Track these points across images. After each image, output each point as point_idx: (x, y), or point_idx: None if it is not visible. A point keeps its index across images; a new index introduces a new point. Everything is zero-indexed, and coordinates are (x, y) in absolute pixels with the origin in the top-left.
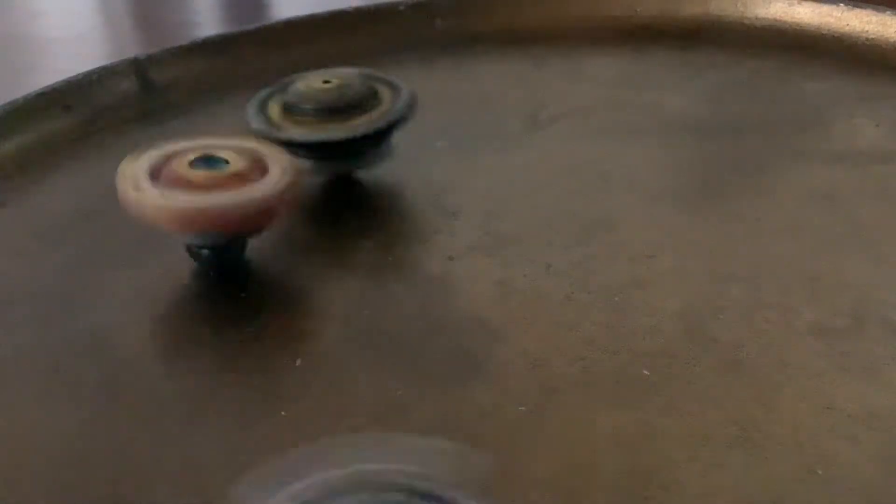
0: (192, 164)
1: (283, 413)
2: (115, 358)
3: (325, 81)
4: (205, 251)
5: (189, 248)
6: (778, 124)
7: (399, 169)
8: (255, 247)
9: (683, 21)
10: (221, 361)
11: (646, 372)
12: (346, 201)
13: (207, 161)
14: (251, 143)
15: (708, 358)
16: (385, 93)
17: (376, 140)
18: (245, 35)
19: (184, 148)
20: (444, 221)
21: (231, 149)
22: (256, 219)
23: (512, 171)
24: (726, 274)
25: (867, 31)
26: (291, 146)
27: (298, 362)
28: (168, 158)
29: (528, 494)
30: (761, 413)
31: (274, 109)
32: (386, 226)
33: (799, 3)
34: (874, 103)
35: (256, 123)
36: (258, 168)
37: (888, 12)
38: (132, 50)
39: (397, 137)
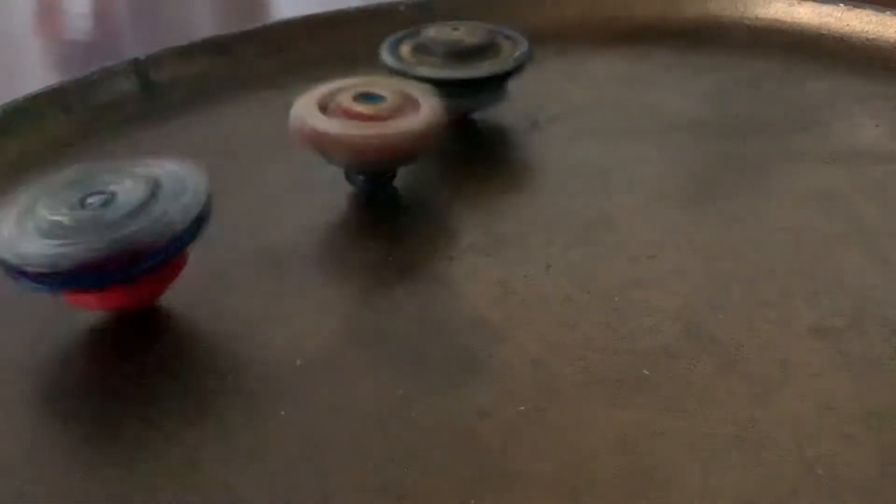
0: (356, 99)
1: (282, 413)
2: (114, 358)
3: (454, 29)
4: (361, 177)
5: (348, 175)
6: (778, 124)
7: (399, 169)
8: (252, 249)
9: (683, 21)
10: (221, 361)
11: (646, 372)
12: (347, 201)
13: (368, 97)
14: (401, 84)
15: (708, 358)
16: (505, 45)
17: (494, 82)
18: (245, 35)
19: (345, 85)
20: (444, 221)
21: (386, 87)
22: (419, 146)
23: (512, 171)
24: (726, 274)
25: (867, 31)
26: (419, 81)
27: (298, 362)
28: (332, 95)
29: (528, 494)
30: (761, 413)
31: (405, 49)
32: (386, 226)
33: (799, 3)
34: (874, 103)
35: (390, 60)
36: (411, 104)
37: (888, 12)
38: (132, 50)
39: None
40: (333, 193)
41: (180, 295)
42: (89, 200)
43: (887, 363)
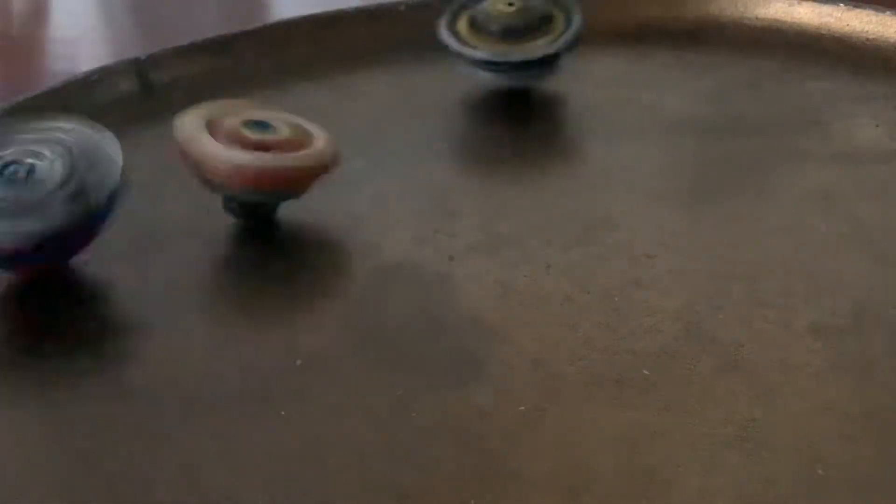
0: (245, 124)
1: (282, 413)
2: (114, 357)
3: (509, 4)
4: (234, 206)
5: (226, 203)
6: (778, 124)
7: (399, 169)
8: (253, 249)
9: (683, 21)
10: (221, 361)
11: (646, 372)
12: (347, 201)
13: (258, 125)
14: (294, 118)
15: (708, 358)
16: (559, 18)
17: (548, 61)
18: (245, 35)
19: (234, 109)
20: (444, 221)
21: (277, 118)
22: (306, 180)
23: (512, 171)
24: (726, 274)
25: (867, 31)
26: (476, 63)
27: (298, 362)
28: (219, 117)
29: (528, 494)
30: (761, 413)
31: (462, 25)
32: (385, 226)
33: (799, 3)
34: (874, 103)
35: (447, 39)
36: (303, 139)
37: (888, 12)
38: (132, 50)
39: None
40: (332, 194)
41: (180, 294)
42: (9, 170)
43: (887, 363)
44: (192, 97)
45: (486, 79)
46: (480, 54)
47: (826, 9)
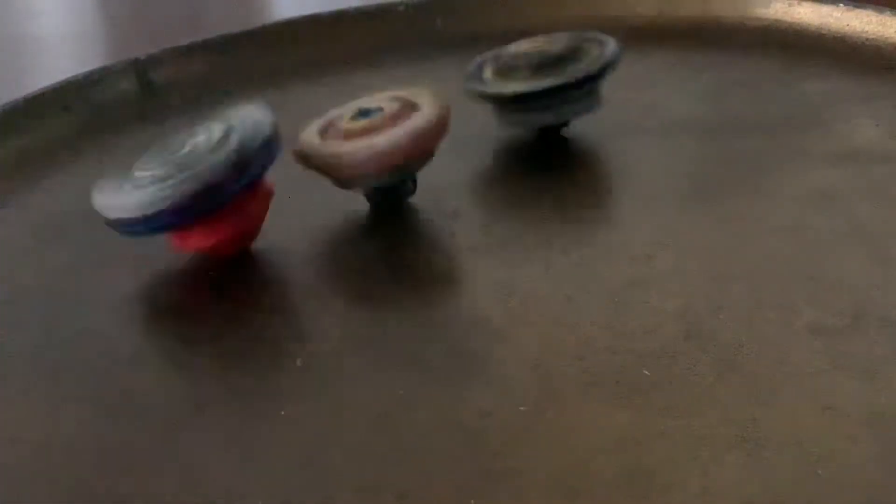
0: (352, 118)
1: (282, 413)
2: (115, 357)
3: (534, 43)
4: (375, 195)
5: (366, 194)
6: (778, 124)
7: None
8: (253, 249)
9: (683, 21)
10: (221, 361)
11: (646, 372)
12: (347, 201)
13: (364, 114)
14: (402, 91)
15: (708, 358)
16: (592, 48)
17: (577, 88)
18: (245, 35)
19: (343, 110)
20: (444, 221)
21: (383, 99)
22: (422, 146)
23: (512, 171)
24: (726, 274)
25: (867, 31)
26: (500, 101)
27: (298, 362)
28: (331, 122)
29: (528, 494)
30: (761, 413)
31: (488, 75)
32: (386, 226)
33: (799, 3)
34: (874, 103)
35: (469, 83)
36: (410, 107)
37: (888, 12)
38: (132, 50)
39: None
40: (332, 194)
41: (180, 295)
42: (173, 153)
43: (887, 363)
44: (192, 97)
45: (530, 123)
46: (509, 88)
47: (826, 9)
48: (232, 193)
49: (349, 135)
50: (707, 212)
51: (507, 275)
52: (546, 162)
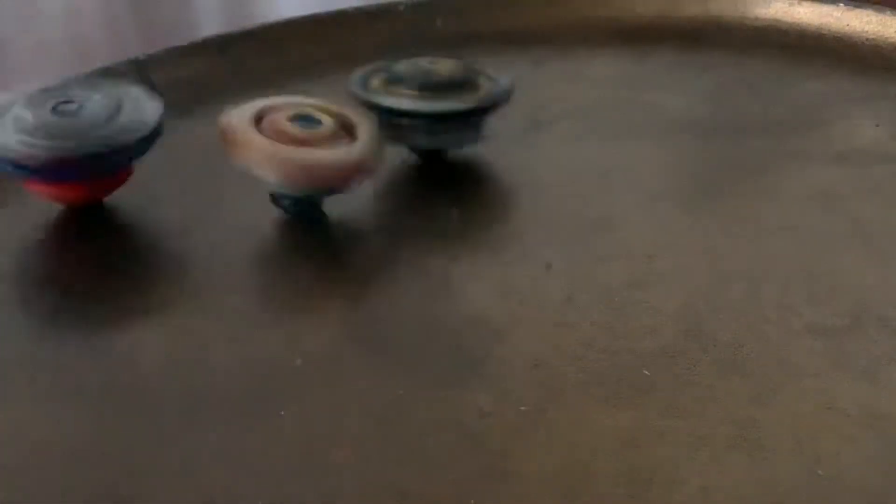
0: (291, 119)
1: (282, 413)
2: (115, 357)
3: (431, 62)
4: (287, 201)
5: (274, 197)
6: (778, 124)
7: (399, 169)
8: (254, 248)
9: (683, 21)
10: (221, 361)
11: (646, 372)
12: (347, 201)
13: (305, 119)
14: (340, 108)
15: (708, 358)
16: (484, 82)
17: (470, 119)
18: (245, 35)
19: (281, 104)
20: (445, 221)
21: (323, 111)
22: (350, 176)
23: (512, 171)
24: (726, 274)
25: (867, 31)
26: (392, 114)
27: (298, 362)
28: (267, 111)
29: (528, 494)
30: (761, 413)
31: (376, 83)
32: (386, 226)
33: (799, 3)
34: (874, 103)
35: (358, 90)
36: (347, 131)
37: (888, 12)
38: (132, 50)
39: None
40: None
41: (180, 295)
42: (62, 107)
43: (887, 363)
44: (192, 97)
45: (404, 140)
46: (394, 102)
47: (826, 9)
48: (96, 173)
49: (287, 138)
50: (707, 212)
51: (507, 275)
52: (546, 162)
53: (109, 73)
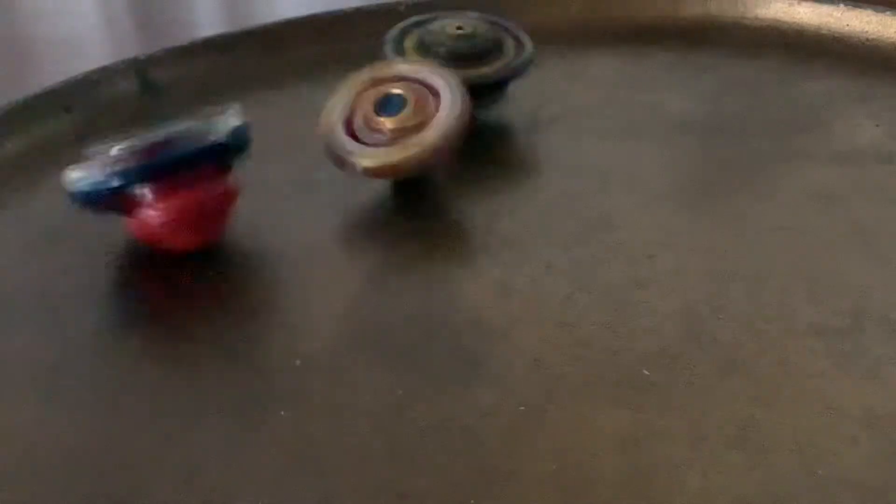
0: (377, 110)
1: (282, 413)
2: (115, 358)
3: (458, 28)
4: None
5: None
6: (778, 124)
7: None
8: (254, 249)
9: (683, 21)
10: (221, 361)
11: (646, 372)
12: (347, 201)
13: (388, 105)
14: (426, 72)
15: (708, 358)
16: (509, 45)
17: (495, 88)
18: (245, 35)
19: (362, 85)
20: (445, 222)
21: (404, 86)
22: (444, 155)
23: (512, 171)
24: (726, 274)
25: (867, 31)
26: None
27: (298, 362)
28: (354, 102)
29: (528, 494)
30: (761, 413)
31: (409, 44)
32: (386, 226)
33: (799, 3)
34: (874, 103)
35: (391, 56)
36: (433, 99)
37: (888, 12)
38: (132, 50)
39: None
40: (333, 194)
41: (180, 296)
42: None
43: (887, 363)
44: (192, 97)
45: None
46: None
47: (826, 9)
48: (185, 156)
49: (374, 130)
50: (707, 212)
51: (507, 275)
52: (546, 162)
53: (109, 72)
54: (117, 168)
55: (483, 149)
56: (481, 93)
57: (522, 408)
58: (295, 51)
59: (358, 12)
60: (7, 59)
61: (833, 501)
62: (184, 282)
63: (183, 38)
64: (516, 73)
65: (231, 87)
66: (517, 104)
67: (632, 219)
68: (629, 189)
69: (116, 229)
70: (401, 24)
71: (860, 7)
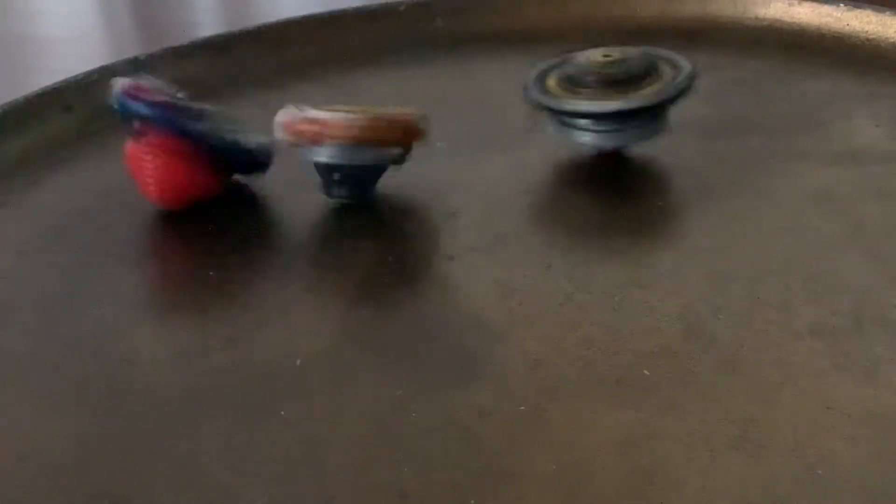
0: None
1: (282, 413)
2: (115, 358)
3: (606, 56)
4: (339, 177)
5: (329, 185)
6: (778, 124)
7: (399, 169)
8: (254, 249)
9: (683, 21)
10: (222, 361)
11: (646, 372)
12: (346, 202)
13: None
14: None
15: (708, 358)
16: (665, 69)
17: (652, 112)
18: (245, 35)
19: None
20: (444, 221)
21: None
22: (402, 136)
23: (512, 171)
24: (726, 274)
25: (867, 31)
26: (568, 115)
27: (298, 362)
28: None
29: (528, 494)
30: (761, 413)
31: (552, 82)
32: (386, 226)
33: (799, 3)
34: (874, 103)
35: (534, 93)
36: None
37: (888, 12)
38: (132, 50)
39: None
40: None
41: (180, 296)
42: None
43: (887, 363)
44: (192, 97)
45: (590, 144)
46: (575, 105)
47: (826, 9)
48: (200, 135)
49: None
50: (707, 212)
51: (507, 275)
52: (546, 162)
53: (109, 72)
54: (148, 99)
55: (482, 149)
56: (636, 118)
57: (522, 408)
58: (295, 51)
59: (358, 12)
60: (7, 59)
61: (833, 501)
62: (184, 281)
63: (183, 38)
64: (681, 91)
65: (231, 87)
66: (517, 104)
67: (632, 219)
68: (629, 189)
69: (116, 229)
70: (538, 68)
71: (860, 7)
